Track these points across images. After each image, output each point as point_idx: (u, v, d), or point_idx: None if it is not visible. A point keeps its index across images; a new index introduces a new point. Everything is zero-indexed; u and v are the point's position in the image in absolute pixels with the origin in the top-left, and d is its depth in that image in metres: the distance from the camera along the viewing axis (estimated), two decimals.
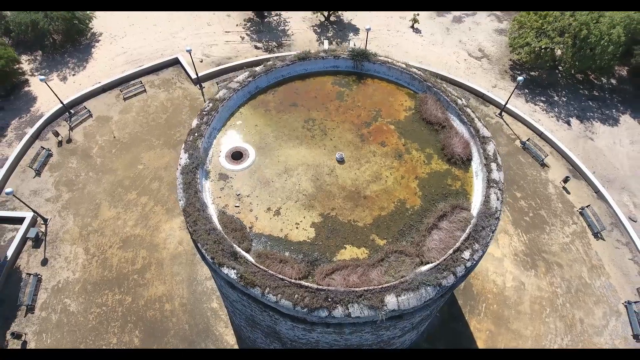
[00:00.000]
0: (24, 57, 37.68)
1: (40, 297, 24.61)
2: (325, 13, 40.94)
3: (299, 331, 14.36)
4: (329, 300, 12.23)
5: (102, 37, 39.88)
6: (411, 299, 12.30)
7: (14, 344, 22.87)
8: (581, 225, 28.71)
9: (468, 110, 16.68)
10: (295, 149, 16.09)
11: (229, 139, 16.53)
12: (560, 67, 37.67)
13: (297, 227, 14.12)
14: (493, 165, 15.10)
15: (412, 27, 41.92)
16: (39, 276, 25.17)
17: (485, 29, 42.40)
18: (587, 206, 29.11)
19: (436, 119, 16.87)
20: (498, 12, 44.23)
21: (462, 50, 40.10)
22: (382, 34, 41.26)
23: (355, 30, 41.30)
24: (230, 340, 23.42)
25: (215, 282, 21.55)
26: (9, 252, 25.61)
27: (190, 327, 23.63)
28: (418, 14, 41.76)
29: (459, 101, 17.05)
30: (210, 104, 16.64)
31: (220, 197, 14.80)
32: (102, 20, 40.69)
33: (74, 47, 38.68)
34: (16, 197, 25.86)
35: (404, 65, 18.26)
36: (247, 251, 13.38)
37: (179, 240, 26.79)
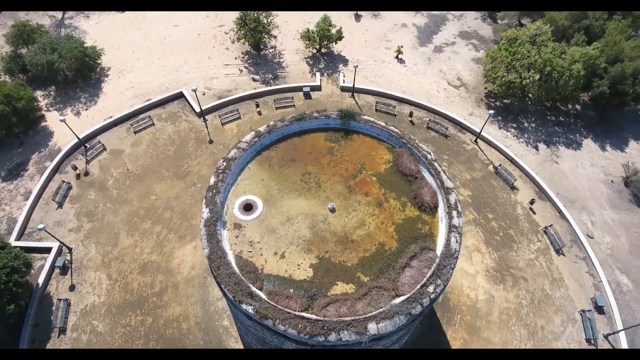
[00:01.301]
0: (39, 93, 40.79)
1: (71, 319, 27.93)
2: (317, 46, 44.53)
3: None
4: (325, 328, 15.84)
5: (111, 72, 43.10)
6: (388, 325, 15.96)
7: None
8: (545, 242, 32.70)
9: (436, 164, 20.41)
10: (295, 200, 19.70)
11: (241, 192, 20.09)
12: (529, 96, 41.73)
13: (298, 268, 17.73)
14: (454, 213, 18.82)
15: (397, 57, 45.72)
16: (68, 301, 28.46)
17: (463, 57, 46.32)
18: (550, 225, 33.10)
19: (410, 171, 20.59)
20: (475, 41, 48.23)
21: (442, 80, 43.97)
22: (369, 64, 44.98)
23: (345, 62, 44.96)
24: None
25: (229, 307, 25.01)
26: (40, 280, 28.87)
27: (205, 342, 27.13)
28: (402, 46, 45.59)
29: (429, 156, 20.78)
30: (224, 163, 20.15)
31: (236, 244, 18.35)
32: (110, 56, 43.90)
33: (85, 82, 41.83)
34: (47, 231, 29.12)
35: (383, 124, 21.96)
36: (260, 289, 16.95)
37: (191, 265, 30.23)
